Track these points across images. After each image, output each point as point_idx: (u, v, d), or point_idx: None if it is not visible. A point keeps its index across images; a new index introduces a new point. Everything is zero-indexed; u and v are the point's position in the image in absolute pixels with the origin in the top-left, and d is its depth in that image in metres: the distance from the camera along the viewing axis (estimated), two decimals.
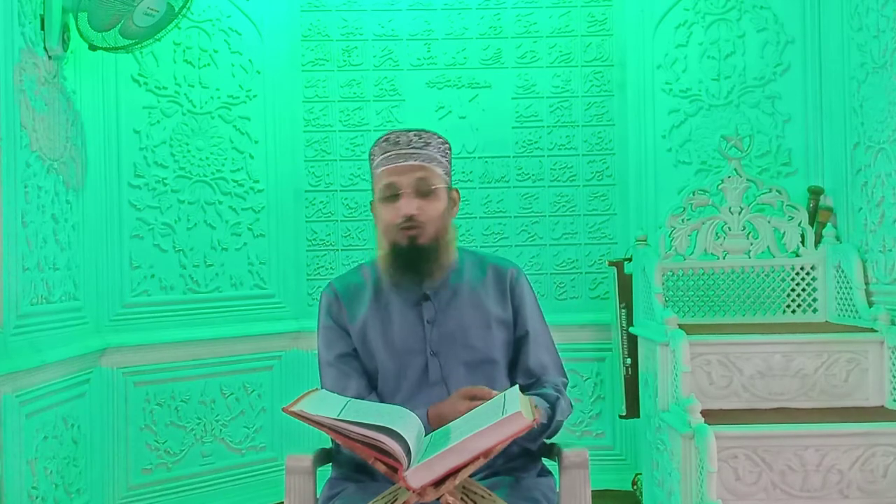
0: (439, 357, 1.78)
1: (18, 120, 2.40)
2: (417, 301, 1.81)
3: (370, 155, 1.83)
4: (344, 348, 1.82)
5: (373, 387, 1.81)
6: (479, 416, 1.46)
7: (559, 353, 1.91)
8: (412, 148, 1.77)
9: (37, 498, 2.45)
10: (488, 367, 1.80)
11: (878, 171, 2.76)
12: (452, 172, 1.88)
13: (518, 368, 1.86)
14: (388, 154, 1.77)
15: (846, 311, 2.86)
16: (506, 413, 1.38)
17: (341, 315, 1.84)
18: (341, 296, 1.85)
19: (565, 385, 1.86)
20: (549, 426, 1.74)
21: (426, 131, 1.80)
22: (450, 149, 1.85)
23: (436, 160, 1.78)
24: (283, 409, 1.40)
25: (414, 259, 1.75)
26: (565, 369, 1.90)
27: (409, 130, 1.79)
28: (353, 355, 1.82)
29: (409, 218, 1.73)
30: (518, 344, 1.86)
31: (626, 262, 3.30)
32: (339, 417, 1.37)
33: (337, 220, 3.77)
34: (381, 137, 1.81)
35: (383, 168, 1.77)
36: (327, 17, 3.75)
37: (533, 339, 1.85)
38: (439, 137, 1.82)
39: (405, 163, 1.75)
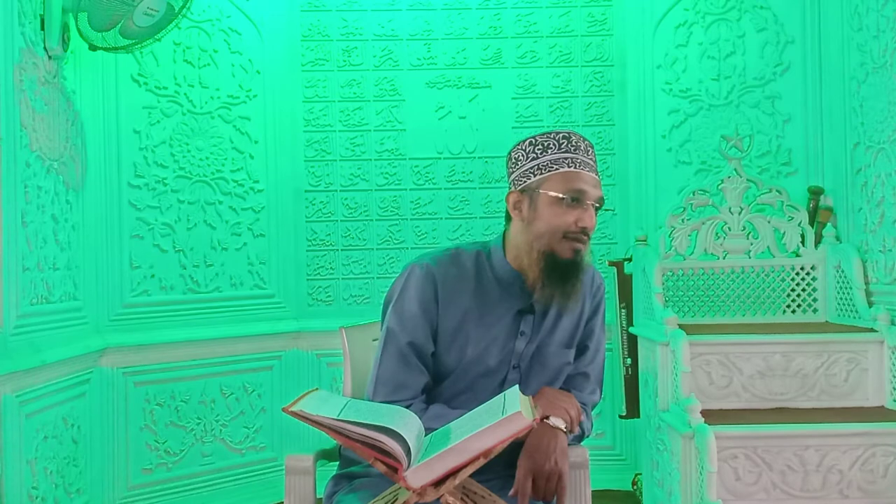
0: (521, 371, 1.76)
1: (18, 120, 2.40)
2: (521, 310, 1.74)
3: (532, 145, 1.70)
4: (422, 340, 1.70)
5: (429, 385, 1.73)
6: (479, 416, 1.46)
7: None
8: (590, 158, 1.71)
9: (37, 498, 2.45)
10: (557, 381, 1.81)
11: (878, 171, 2.76)
12: None
13: None
14: (573, 157, 1.67)
15: (846, 311, 2.86)
16: (506, 413, 1.38)
17: (432, 307, 1.71)
18: (440, 285, 1.71)
19: (594, 404, 1.88)
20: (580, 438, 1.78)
21: (587, 140, 1.73)
22: None
23: None
24: (283, 409, 1.40)
25: (570, 274, 1.68)
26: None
27: (581, 137, 1.71)
28: (425, 352, 1.71)
29: (585, 231, 1.66)
30: (576, 350, 1.85)
31: (626, 262, 3.30)
32: (339, 417, 1.37)
33: (337, 220, 3.77)
34: (551, 133, 1.71)
35: (571, 169, 1.66)
36: (327, 17, 3.75)
37: (589, 352, 1.86)
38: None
39: (591, 174, 1.69)
